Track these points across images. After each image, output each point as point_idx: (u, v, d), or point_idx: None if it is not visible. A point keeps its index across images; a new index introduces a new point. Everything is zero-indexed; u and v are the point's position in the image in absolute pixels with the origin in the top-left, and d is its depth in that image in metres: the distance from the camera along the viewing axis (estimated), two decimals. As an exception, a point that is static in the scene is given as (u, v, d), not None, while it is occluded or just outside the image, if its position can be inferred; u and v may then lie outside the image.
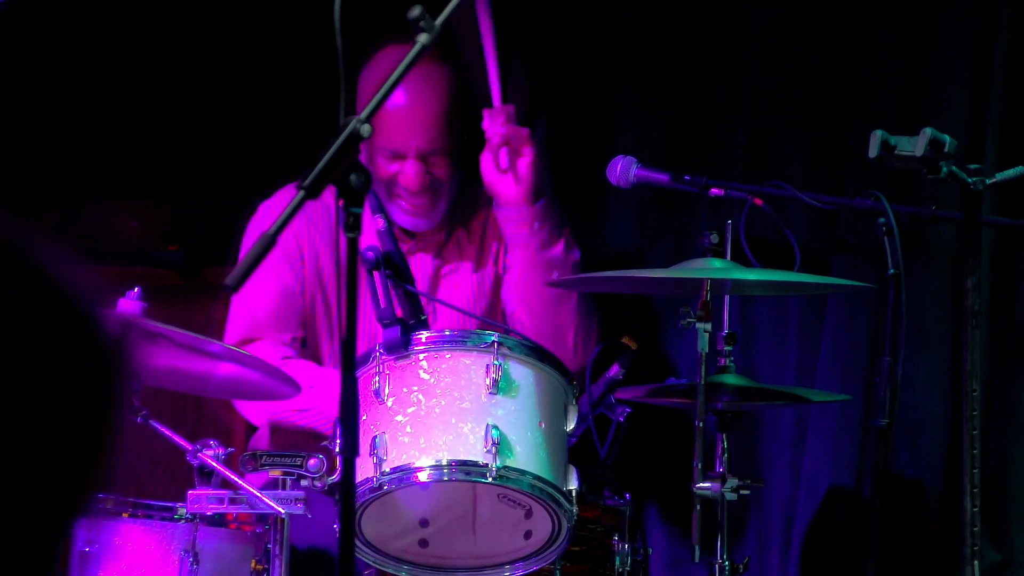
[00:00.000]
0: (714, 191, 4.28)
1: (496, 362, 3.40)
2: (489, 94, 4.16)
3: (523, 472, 3.35)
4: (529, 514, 3.47)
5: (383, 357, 3.43)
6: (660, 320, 4.71)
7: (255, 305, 4.31)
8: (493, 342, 3.42)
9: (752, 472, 4.31)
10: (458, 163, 4.30)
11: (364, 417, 3.34)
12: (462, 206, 4.41)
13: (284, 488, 3.42)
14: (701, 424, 3.64)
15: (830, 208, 4.31)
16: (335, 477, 3.38)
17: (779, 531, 4.56)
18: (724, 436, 3.87)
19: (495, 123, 4.15)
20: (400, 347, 3.42)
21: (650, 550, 3.79)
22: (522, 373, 3.44)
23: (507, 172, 4.18)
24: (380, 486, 3.35)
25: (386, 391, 3.41)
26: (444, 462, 3.35)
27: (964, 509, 3.59)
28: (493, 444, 3.32)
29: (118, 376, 1.39)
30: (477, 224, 4.43)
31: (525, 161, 4.17)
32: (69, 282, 1.37)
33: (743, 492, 3.73)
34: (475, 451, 3.34)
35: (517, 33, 4.91)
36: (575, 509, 3.42)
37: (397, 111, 4.18)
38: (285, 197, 4.37)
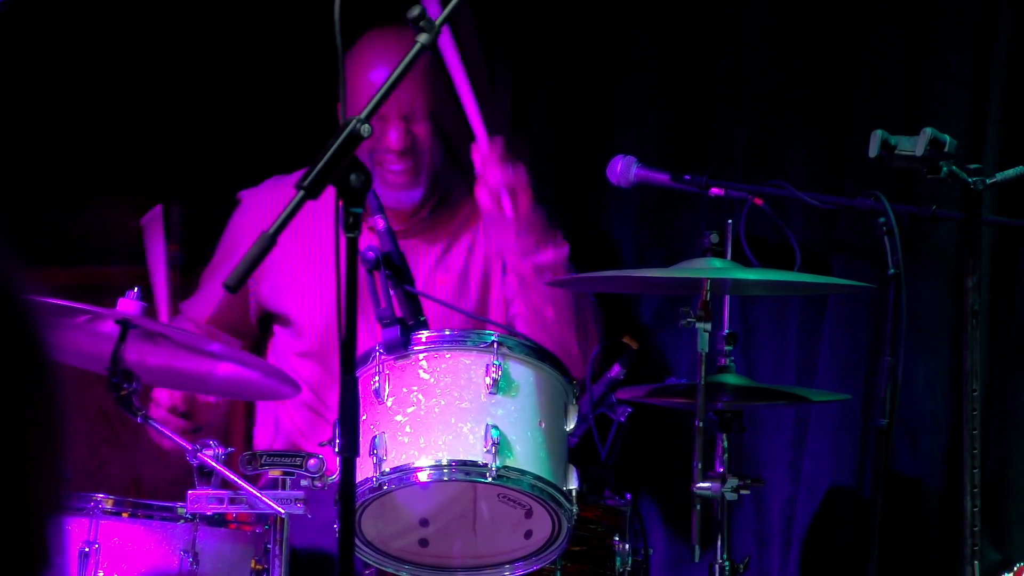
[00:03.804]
0: (714, 191, 4.28)
1: (496, 362, 3.40)
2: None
3: (523, 472, 3.35)
4: (529, 514, 3.46)
5: (383, 357, 3.43)
6: (660, 320, 4.71)
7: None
8: (493, 342, 3.42)
9: (752, 472, 4.31)
10: (439, 134, 4.29)
11: (364, 417, 3.33)
12: (441, 198, 4.41)
13: (284, 488, 3.41)
14: (701, 424, 3.64)
15: (830, 208, 4.31)
16: (335, 477, 3.37)
17: (779, 531, 4.55)
18: (724, 436, 3.87)
19: (490, 165, 4.11)
20: (400, 347, 3.41)
21: (650, 550, 3.78)
22: (522, 373, 3.43)
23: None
24: (380, 486, 3.34)
25: (386, 391, 3.41)
26: (444, 462, 3.35)
27: (964, 509, 3.59)
28: (493, 444, 3.31)
29: (42, 364, 1.36)
30: (459, 219, 4.43)
31: (524, 202, 4.15)
32: None
33: (743, 492, 3.73)
34: (475, 451, 3.34)
35: (517, 33, 4.91)
36: (575, 509, 3.42)
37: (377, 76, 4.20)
38: (270, 190, 4.39)
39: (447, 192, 4.40)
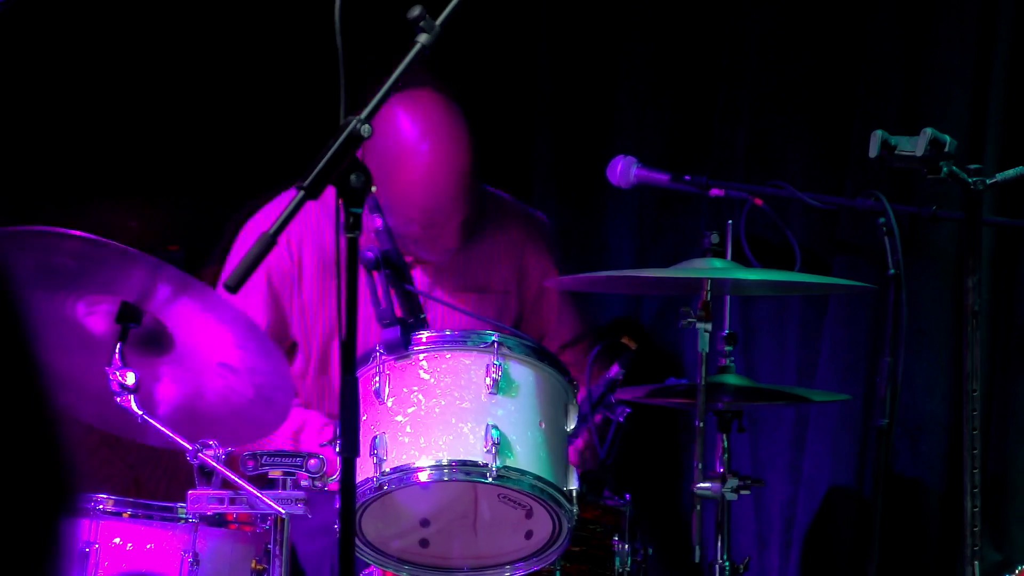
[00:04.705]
0: (714, 191, 4.28)
1: (496, 362, 3.40)
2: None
3: (523, 472, 3.35)
4: (530, 514, 3.46)
5: (383, 357, 3.42)
6: (660, 320, 4.71)
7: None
8: (493, 342, 3.42)
9: (752, 472, 4.31)
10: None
11: (364, 417, 3.33)
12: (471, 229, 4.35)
13: (284, 488, 3.41)
14: (701, 424, 3.64)
15: (830, 208, 4.32)
16: (335, 478, 3.37)
17: (779, 531, 4.56)
18: (724, 436, 3.87)
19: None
20: (400, 347, 3.41)
21: (650, 550, 3.78)
22: (522, 373, 3.43)
23: None
24: (380, 486, 3.34)
25: (386, 391, 3.40)
26: (444, 462, 3.35)
27: (964, 509, 3.59)
28: (493, 444, 3.31)
29: (38, 367, 1.36)
30: (484, 244, 4.37)
31: None
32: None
33: (743, 492, 3.73)
34: (475, 451, 3.33)
35: (515, 34, 4.91)
36: (576, 509, 3.42)
37: (427, 184, 4.06)
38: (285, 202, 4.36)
39: (477, 217, 4.32)
